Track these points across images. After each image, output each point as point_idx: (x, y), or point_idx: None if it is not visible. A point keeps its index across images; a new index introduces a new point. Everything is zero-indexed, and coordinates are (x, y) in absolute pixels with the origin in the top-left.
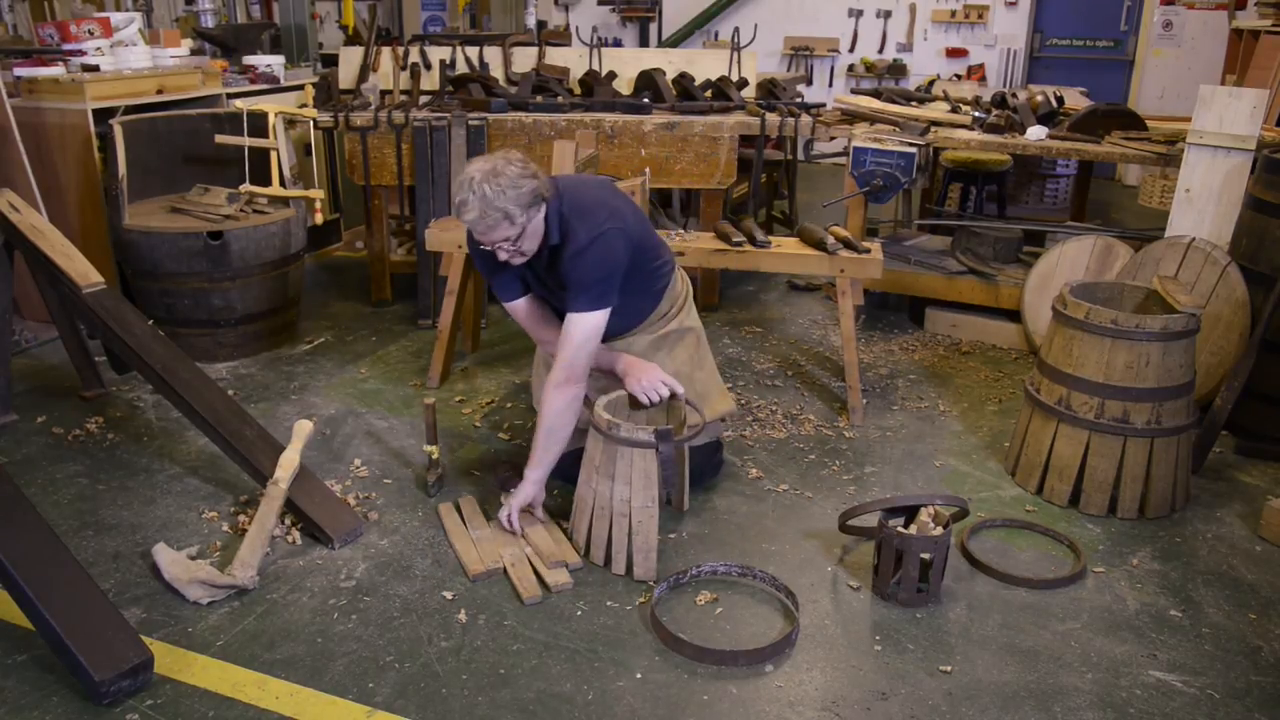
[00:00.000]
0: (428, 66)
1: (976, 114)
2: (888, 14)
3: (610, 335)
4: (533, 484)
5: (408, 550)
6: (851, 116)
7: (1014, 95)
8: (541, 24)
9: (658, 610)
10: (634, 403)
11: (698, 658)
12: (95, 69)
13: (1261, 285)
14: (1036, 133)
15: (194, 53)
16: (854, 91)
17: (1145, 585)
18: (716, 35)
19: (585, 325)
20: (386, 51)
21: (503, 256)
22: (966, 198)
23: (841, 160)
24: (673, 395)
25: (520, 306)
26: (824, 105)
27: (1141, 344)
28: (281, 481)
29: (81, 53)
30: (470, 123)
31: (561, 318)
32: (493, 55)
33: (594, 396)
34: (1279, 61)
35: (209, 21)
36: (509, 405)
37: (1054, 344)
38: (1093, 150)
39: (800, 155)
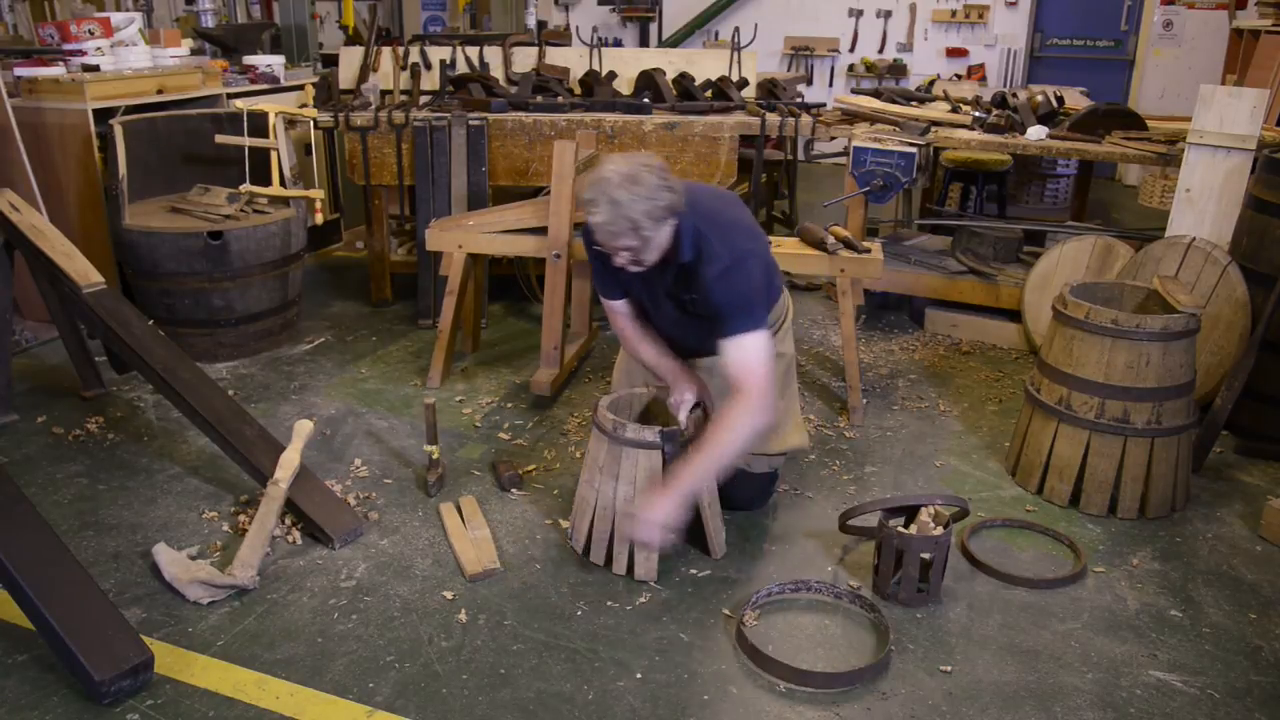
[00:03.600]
0: (428, 66)
1: (977, 114)
2: (888, 14)
3: (703, 353)
4: (684, 504)
5: (408, 550)
6: (852, 116)
7: (1014, 95)
8: (541, 24)
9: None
10: (654, 407)
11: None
12: (95, 69)
13: (1261, 285)
14: (1036, 133)
15: (194, 53)
16: (854, 91)
17: (1145, 585)
18: (716, 35)
19: (763, 344)
20: (387, 51)
21: (619, 262)
22: (966, 198)
23: (841, 160)
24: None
25: (621, 307)
26: (824, 105)
27: (1141, 344)
28: (282, 481)
29: (82, 53)
30: (470, 123)
31: (661, 330)
32: (493, 55)
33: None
34: (1279, 61)
35: (209, 21)
36: (509, 405)
37: (1054, 344)
38: (1093, 150)
39: (800, 155)
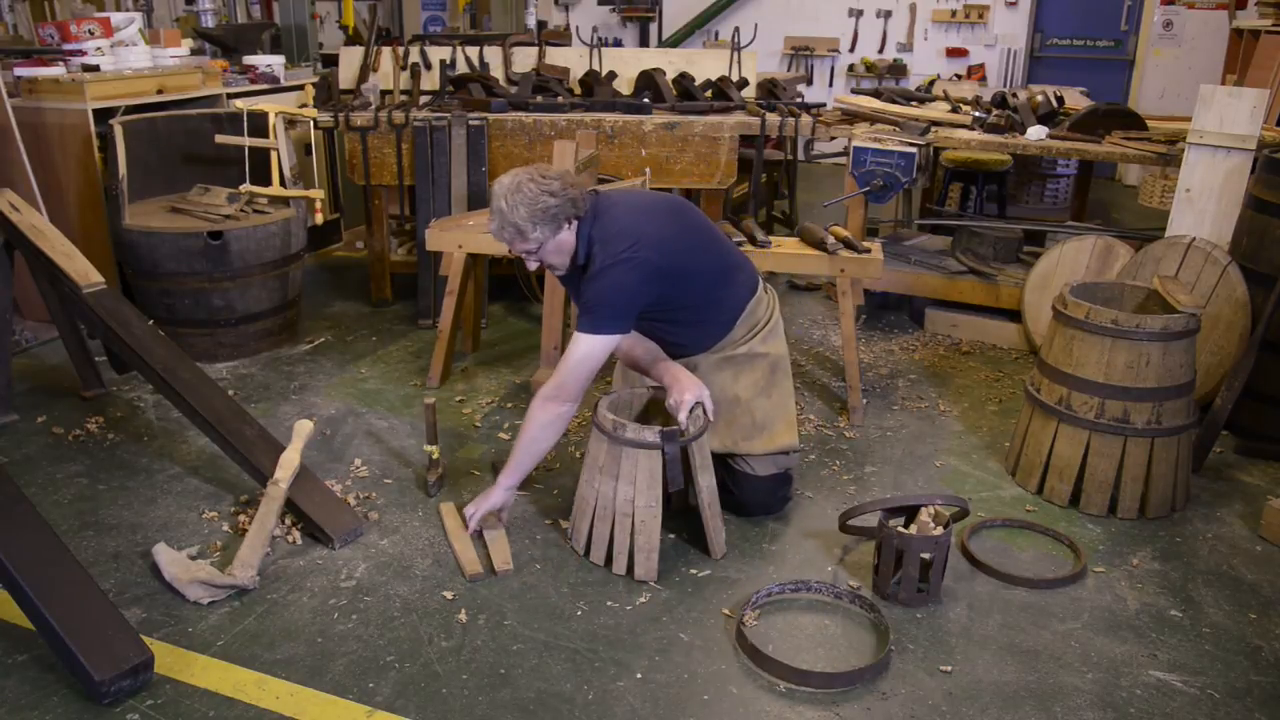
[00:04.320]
0: (428, 66)
1: (977, 114)
2: (888, 14)
3: (680, 352)
4: (504, 491)
5: (408, 550)
6: (852, 116)
7: (1014, 95)
8: (541, 24)
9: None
10: (654, 407)
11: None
12: (95, 69)
13: (1261, 285)
14: (1036, 133)
15: (194, 53)
16: (854, 91)
17: (1145, 585)
18: (716, 35)
19: (584, 346)
20: (387, 51)
21: (530, 267)
22: (966, 198)
23: (841, 160)
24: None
25: None
26: (824, 105)
27: (1142, 344)
28: (282, 481)
29: (82, 53)
30: (470, 123)
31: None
32: (493, 55)
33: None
34: (1279, 61)
35: (209, 21)
36: (509, 405)
37: (1054, 344)
38: (1093, 150)
39: (800, 155)
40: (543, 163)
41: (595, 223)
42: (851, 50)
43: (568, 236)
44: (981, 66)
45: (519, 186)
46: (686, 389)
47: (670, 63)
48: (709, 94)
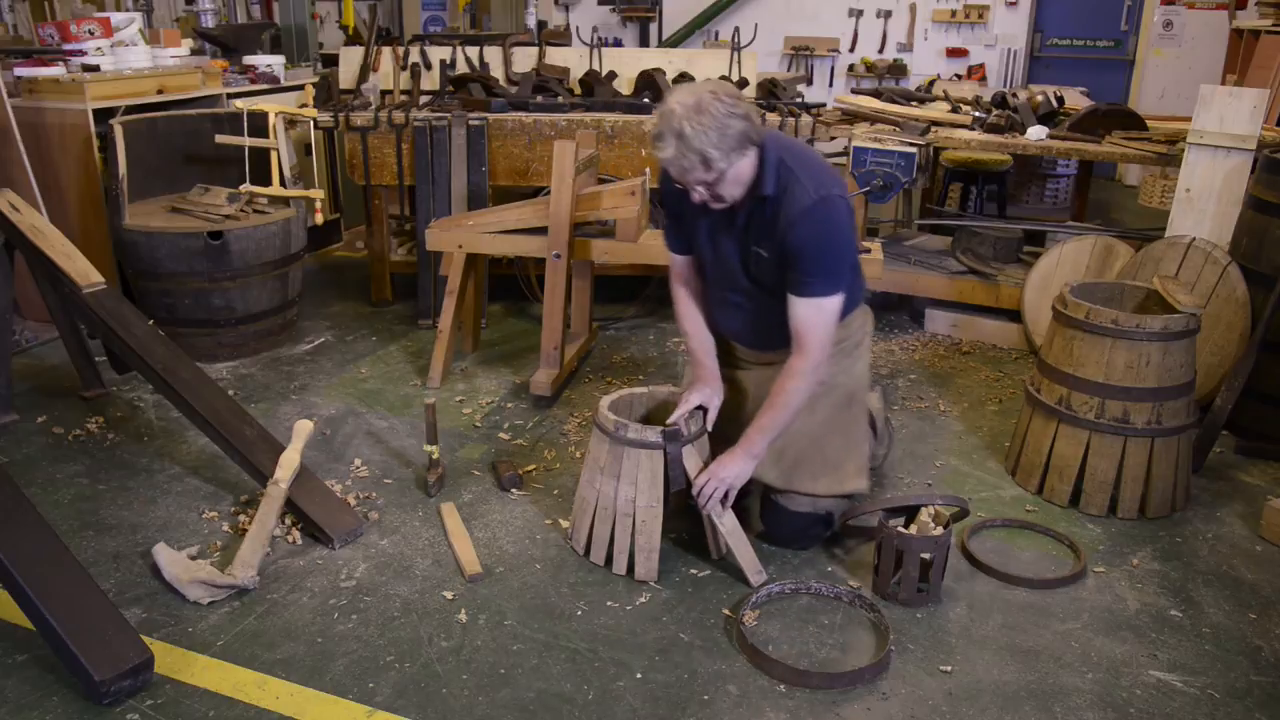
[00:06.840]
0: (428, 66)
1: (977, 114)
2: (888, 14)
3: (759, 344)
4: (753, 459)
5: (408, 550)
6: (852, 116)
7: (1014, 95)
8: (542, 24)
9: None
10: (656, 411)
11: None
12: (95, 69)
13: (1262, 285)
14: (1036, 133)
15: (194, 53)
16: (854, 91)
17: (1145, 585)
18: (717, 35)
19: (829, 312)
20: (387, 51)
21: (697, 198)
22: (967, 198)
23: (842, 160)
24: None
25: (680, 264)
26: (824, 105)
27: (1142, 344)
28: (282, 481)
29: (82, 53)
30: (470, 123)
31: (723, 320)
32: (493, 55)
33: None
34: (1279, 61)
35: (209, 21)
36: (509, 405)
37: (1054, 344)
38: (1093, 150)
39: None
40: (714, 79)
41: (780, 148)
42: (851, 50)
43: (749, 164)
44: (981, 66)
45: (702, 106)
46: (696, 389)
47: (670, 63)
48: None
